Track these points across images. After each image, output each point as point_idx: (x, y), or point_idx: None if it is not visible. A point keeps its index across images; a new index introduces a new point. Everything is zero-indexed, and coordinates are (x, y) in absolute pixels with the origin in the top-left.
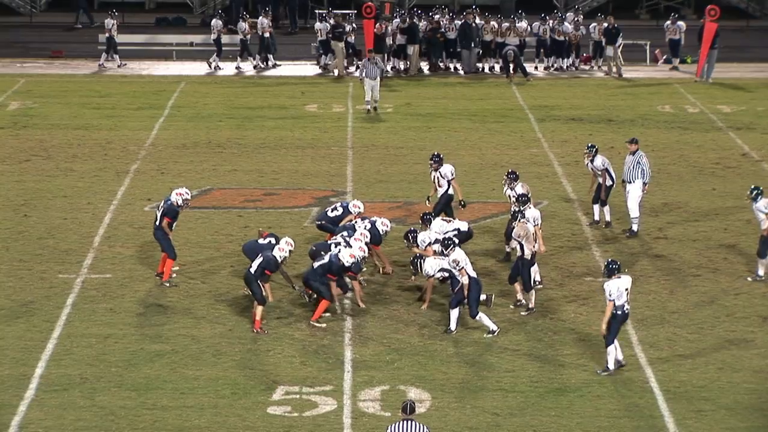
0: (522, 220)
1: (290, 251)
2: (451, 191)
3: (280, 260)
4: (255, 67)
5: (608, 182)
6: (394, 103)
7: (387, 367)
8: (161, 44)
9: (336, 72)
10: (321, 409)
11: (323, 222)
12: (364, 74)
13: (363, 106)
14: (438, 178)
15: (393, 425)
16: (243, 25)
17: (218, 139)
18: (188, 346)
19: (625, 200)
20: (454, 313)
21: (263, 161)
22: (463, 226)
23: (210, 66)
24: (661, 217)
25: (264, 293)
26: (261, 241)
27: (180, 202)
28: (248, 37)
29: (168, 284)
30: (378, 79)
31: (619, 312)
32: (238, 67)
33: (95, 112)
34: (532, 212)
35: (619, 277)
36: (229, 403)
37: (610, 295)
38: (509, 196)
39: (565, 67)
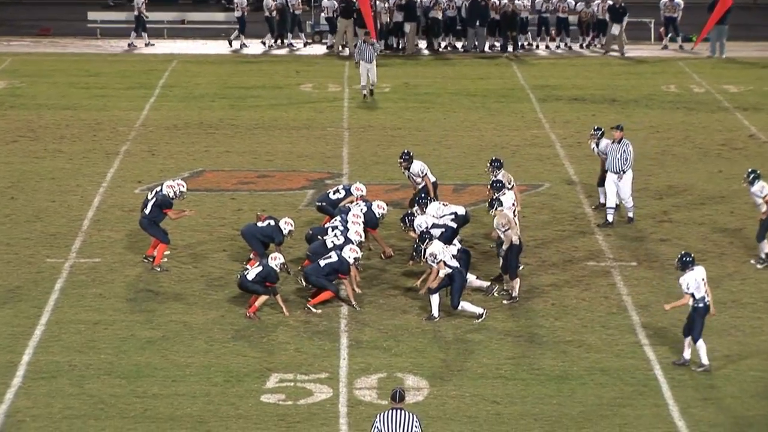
0: (500, 209)
1: (290, 231)
2: (433, 179)
3: (278, 269)
4: (296, 44)
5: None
6: (392, 83)
7: (384, 354)
8: (152, 22)
9: (341, 49)
10: (316, 397)
11: (323, 204)
12: (359, 57)
13: (359, 89)
14: (411, 177)
15: (381, 414)
16: (269, 2)
17: (210, 120)
18: (180, 332)
19: (613, 190)
20: (435, 299)
21: (257, 142)
22: (461, 210)
23: (230, 44)
24: (666, 200)
25: (279, 305)
26: (260, 224)
27: (172, 194)
28: (274, 14)
29: (159, 269)
30: (374, 62)
31: (701, 305)
32: (263, 42)
33: (84, 92)
34: (508, 198)
35: (692, 269)
36: (221, 391)
37: (687, 288)
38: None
39: (570, 46)
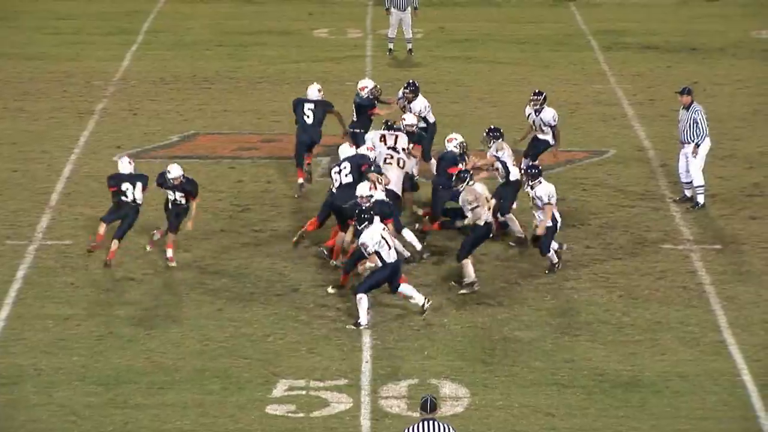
0: (471, 183)
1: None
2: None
3: None
4: None
5: (552, 140)
6: (425, 28)
7: (415, 356)
8: None
9: None
10: (333, 409)
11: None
12: (390, 3)
13: (386, 39)
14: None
15: (410, 428)
16: None
17: (205, 72)
18: (168, 329)
19: (680, 164)
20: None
21: (261, 99)
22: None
23: None
24: (757, 169)
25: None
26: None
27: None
28: None
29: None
30: (409, 9)
31: None
32: None
33: (52, 38)
34: (545, 188)
35: None
36: (218, 401)
37: None
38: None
39: None
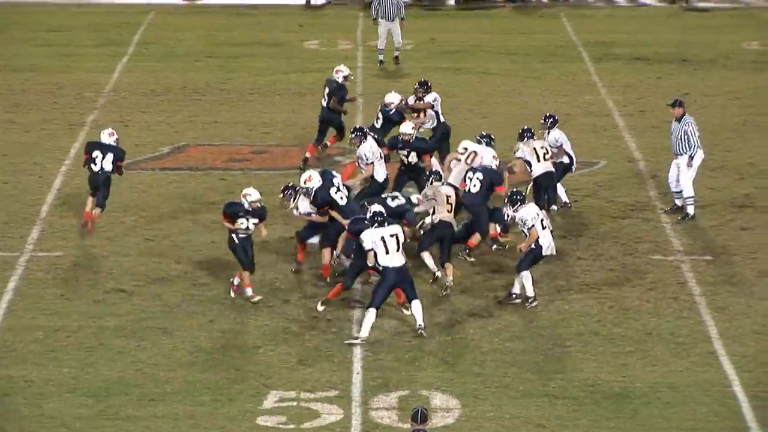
0: (436, 183)
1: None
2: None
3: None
4: None
5: (566, 160)
6: (415, 39)
7: (406, 367)
8: None
9: None
10: (324, 420)
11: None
12: (377, 13)
13: (376, 51)
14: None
15: None
16: None
17: (196, 84)
18: (158, 341)
19: (671, 173)
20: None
21: (252, 111)
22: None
23: None
24: (748, 180)
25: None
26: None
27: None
28: None
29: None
30: (397, 20)
31: None
32: None
33: (43, 50)
34: (530, 210)
35: None
36: (209, 412)
37: None
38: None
39: None
